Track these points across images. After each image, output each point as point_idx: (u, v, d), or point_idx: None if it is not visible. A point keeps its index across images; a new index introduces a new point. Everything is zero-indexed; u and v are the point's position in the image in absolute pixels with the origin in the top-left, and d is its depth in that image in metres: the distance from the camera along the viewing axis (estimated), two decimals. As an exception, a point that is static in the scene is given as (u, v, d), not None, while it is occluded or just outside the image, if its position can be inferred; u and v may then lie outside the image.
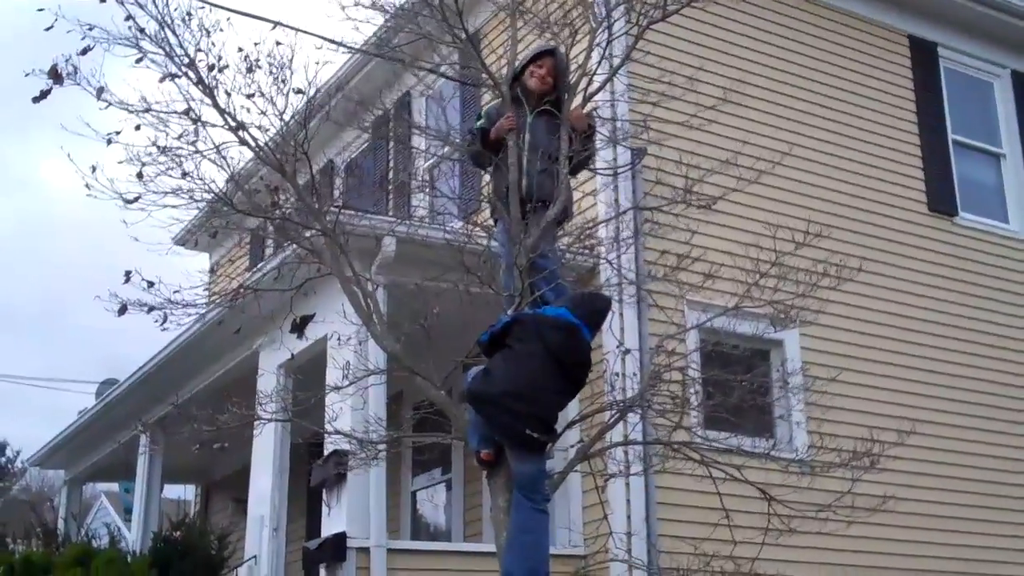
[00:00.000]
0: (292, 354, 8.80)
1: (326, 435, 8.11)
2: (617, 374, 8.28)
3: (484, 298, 6.42)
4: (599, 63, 7.03)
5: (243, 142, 6.56)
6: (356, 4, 6.91)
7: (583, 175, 7.62)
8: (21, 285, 67.46)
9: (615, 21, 7.43)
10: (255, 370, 10.86)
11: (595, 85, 7.02)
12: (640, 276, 8.97)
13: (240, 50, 6.56)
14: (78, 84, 6.16)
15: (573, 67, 6.79)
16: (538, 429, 5.46)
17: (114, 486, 25.84)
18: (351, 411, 8.51)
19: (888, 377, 11.36)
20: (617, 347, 9.03)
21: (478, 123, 6.47)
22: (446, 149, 8.09)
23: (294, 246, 7.21)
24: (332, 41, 6.96)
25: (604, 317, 5.87)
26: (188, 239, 16.14)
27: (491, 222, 6.80)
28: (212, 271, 15.83)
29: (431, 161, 10.58)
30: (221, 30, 6.49)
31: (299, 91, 6.47)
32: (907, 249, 12.00)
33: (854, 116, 12.15)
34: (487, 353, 5.69)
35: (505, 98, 6.44)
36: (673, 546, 9.17)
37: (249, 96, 6.44)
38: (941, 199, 12.46)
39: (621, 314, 9.52)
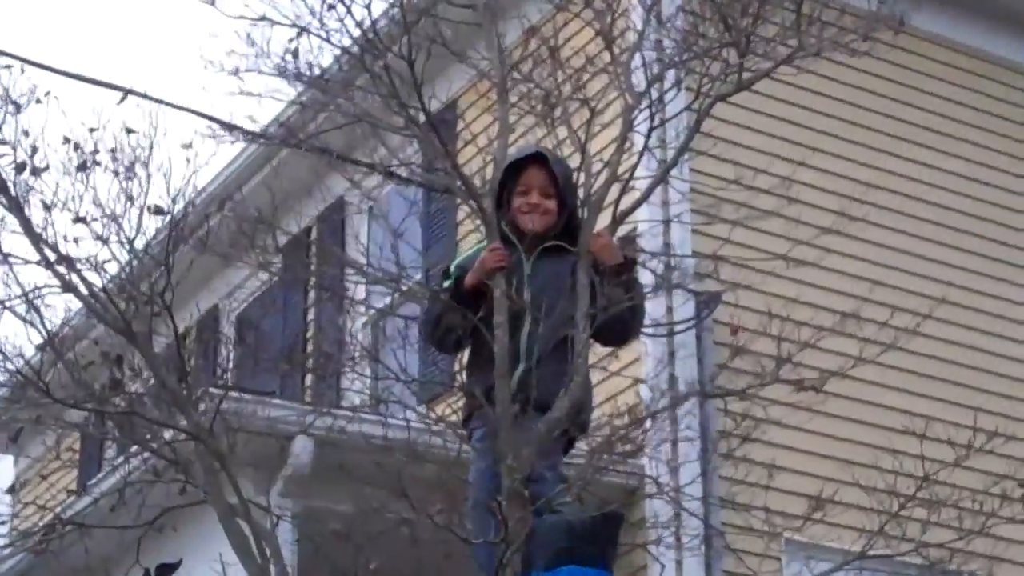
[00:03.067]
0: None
1: None
2: None
3: (449, 542, 6.38)
4: (639, 160, 7.11)
5: (68, 287, 6.60)
6: (251, 69, 6.99)
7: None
8: None
9: (665, 92, 7.52)
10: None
11: (633, 196, 7.10)
12: (708, 504, 8.95)
13: (67, 140, 6.63)
14: None
15: (597, 167, 6.84)
16: None
17: None
18: None
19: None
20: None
21: (446, 280, 6.45)
22: (397, 297, 8.12)
23: (145, 455, 7.19)
24: (216, 121, 7.02)
25: (618, 535, 5.87)
26: (-21, 437, 16.10)
27: (462, 419, 6.78)
28: (14, 491, 15.71)
29: (373, 316, 10.62)
30: (38, 102, 6.56)
31: (159, 210, 6.53)
32: None
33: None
34: None
35: (487, 219, 6.45)
36: None
37: (79, 218, 6.50)
38: None
39: (679, 564, 9.46)
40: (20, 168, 6.54)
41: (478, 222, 6.71)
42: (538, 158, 6.38)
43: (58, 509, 9.28)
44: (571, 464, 6.81)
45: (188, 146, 6.78)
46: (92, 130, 6.59)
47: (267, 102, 7.17)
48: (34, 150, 6.54)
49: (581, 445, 6.80)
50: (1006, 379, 11.45)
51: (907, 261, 11.31)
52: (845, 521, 8.02)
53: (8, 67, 6.51)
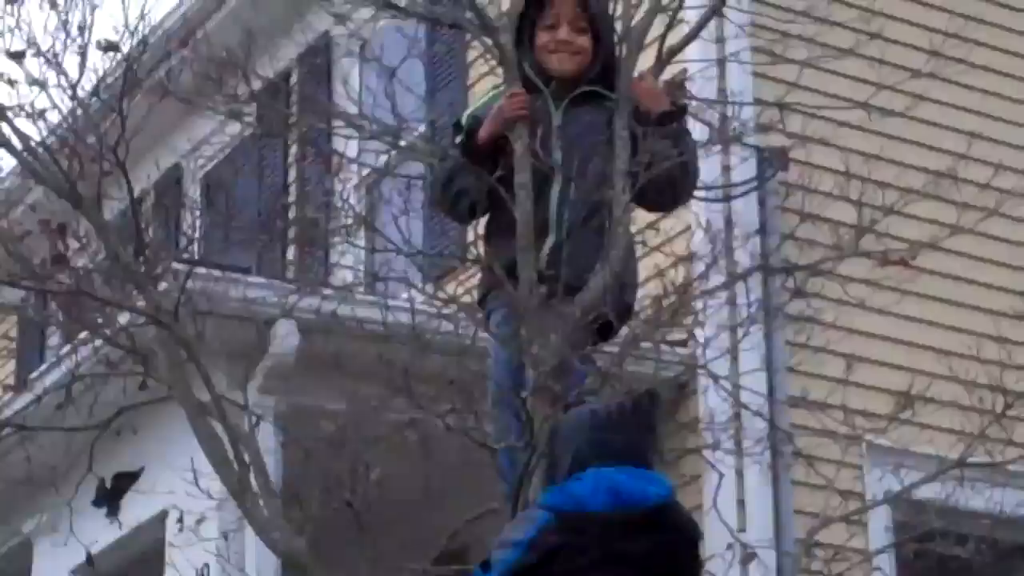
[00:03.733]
0: (88, 553, 8.79)
1: None
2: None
3: (464, 447, 6.41)
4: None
5: (1, 143, 6.62)
6: None
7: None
8: None
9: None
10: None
11: (682, 30, 7.08)
12: (775, 402, 8.98)
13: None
14: None
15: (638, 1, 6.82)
16: None
17: None
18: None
19: None
20: (730, 545, 9.00)
21: (458, 133, 6.43)
22: (394, 155, 8.12)
23: (97, 342, 7.22)
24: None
25: (656, 423, 5.85)
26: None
27: (478, 297, 6.80)
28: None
29: (368, 176, 10.63)
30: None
31: (110, 46, 6.51)
32: None
33: None
34: None
35: (506, 58, 6.44)
36: None
37: (13, 55, 6.49)
38: None
39: (739, 474, 9.51)
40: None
41: (493, 63, 6.68)
42: None
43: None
44: (610, 353, 6.84)
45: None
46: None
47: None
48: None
49: (623, 331, 6.80)
50: None
51: (1014, 110, 11.29)
52: (939, 422, 8.03)
53: None
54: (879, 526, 9.07)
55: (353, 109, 8.53)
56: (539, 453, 5.81)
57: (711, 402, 8.91)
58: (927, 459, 7.87)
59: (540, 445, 5.81)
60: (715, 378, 8.54)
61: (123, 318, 6.92)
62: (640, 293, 6.80)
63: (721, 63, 9.68)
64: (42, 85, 6.62)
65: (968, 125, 10.31)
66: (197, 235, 10.61)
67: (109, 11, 6.73)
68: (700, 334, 8.46)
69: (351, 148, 9.62)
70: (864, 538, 8.52)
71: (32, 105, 6.61)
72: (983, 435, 7.26)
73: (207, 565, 8.02)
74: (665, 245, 9.29)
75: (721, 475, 8.62)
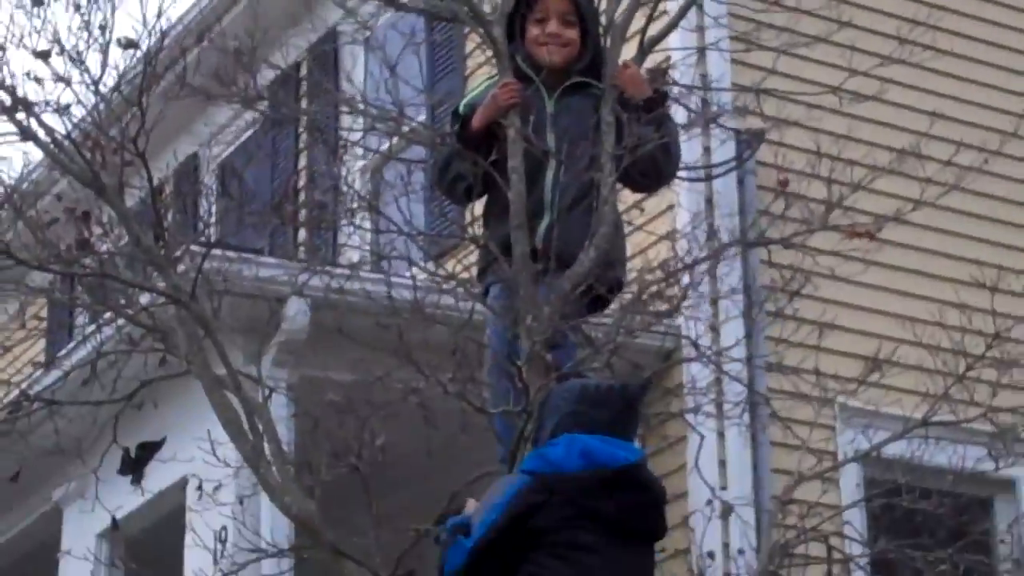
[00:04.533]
0: (113, 518, 8.80)
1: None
2: (711, 553, 8.27)
3: (464, 415, 6.43)
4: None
5: (27, 135, 6.62)
6: None
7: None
8: None
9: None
10: (54, 547, 10.85)
11: (663, 21, 7.07)
12: (753, 367, 8.99)
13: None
14: None
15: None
16: None
17: None
18: (229, 622, 8.50)
19: None
20: (710, 501, 9.02)
21: (456, 121, 6.45)
22: (396, 141, 8.12)
23: (120, 321, 7.23)
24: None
25: (639, 406, 5.88)
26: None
27: (476, 272, 6.81)
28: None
29: (372, 161, 10.63)
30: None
31: (129, 43, 6.50)
32: None
33: None
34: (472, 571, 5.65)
35: (499, 49, 6.44)
36: None
37: (39, 54, 6.49)
38: None
39: (720, 435, 9.53)
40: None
41: (489, 54, 6.69)
42: None
43: (24, 384, 9.34)
44: (600, 325, 6.85)
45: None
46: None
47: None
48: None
49: (612, 305, 6.82)
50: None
51: (974, 91, 11.28)
52: (905, 384, 8.05)
53: None
54: (850, 483, 9.10)
55: (359, 98, 8.55)
56: (534, 419, 5.81)
57: (693, 369, 8.93)
58: (894, 419, 7.89)
59: (535, 411, 5.82)
60: (697, 347, 8.57)
61: (144, 298, 6.92)
62: (627, 267, 6.84)
63: (700, 51, 9.67)
64: (66, 82, 6.61)
65: (930, 106, 10.31)
66: (213, 219, 10.59)
67: (129, 10, 6.73)
68: (684, 307, 8.49)
69: (356, 134, 9.60)
70: (836, 494, 8.55)
71: (57, 101, 6.62)
72: (946, 396, 7.29)
73: (224, 528, 8.04)
74: (653, 221, 9.31)
75: (703, 437, 8.65)
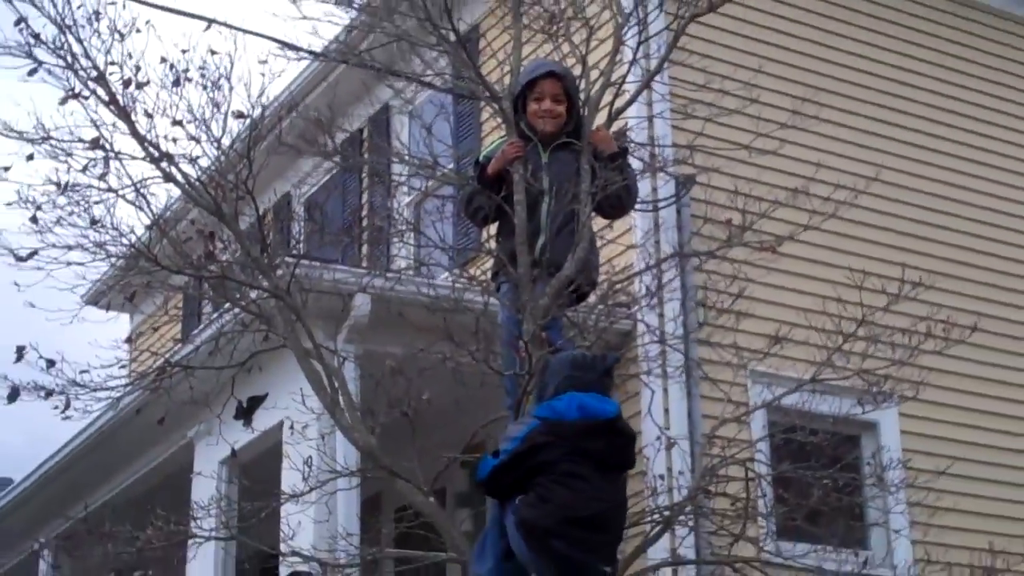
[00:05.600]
0: (232, 449, 8.79)
1: (282, 556, 8.06)
2: (661, 476, 8.26)
3: (482, 376, 6.41)
4: (628, 70, 7.09)
5: (169, 178, 6.61)
6: (311, -2, 6.96)
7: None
8: None
9: (648, 14, 7.47)
10: (189, 470, 10.83)
11: (624, 98, 7.05)
12: (688, 342, 8.97)
13: (164, 60, 6.59)
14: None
15: (594, 75, 6.82)
16: (612, 560, 5.54)
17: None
18: (313, 524, 8.47)
19: (1014, 469, 11.27)
20: (659, 437, 9.02)
21: (481, 155, 6.46)
22: (431, 183, 8.11)
23: (236, 310, 7.22)
24: (284, 44, 7.00)
25: (613, 371, 5.91)
26: (102, 299, 16.16)
27: (491, 275, 6.79)
28: (131, 341, 15.81)
29: (415, 197, 10.61)
30: (138, 31, 6.52)
31: (240, 115, 6.50)
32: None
33: (969, 131, 12.10)
34: (491, 492, 5.66)
35: (507, 118, 6.43)
36: None
37: (176, 121, 6.48)
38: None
39: (665, 391, 9.51)
40: (127, 84, 6.54)
41: (499, 121, 6.68)
42: (551, 72, 6.31)
43: (167, 355, 9.34)
44: (580, 312, 6.87)
45: (264, 62, 6.76)
46: (184, 51, 6.58)
47: (325, 25, 7.17)
48: (137, 69, 6.55)
49: (591, 298, 6.85)
50: (925, 240, 11.48)
51: (846, 148, 11.30)
52: (798, 355, 8.04)
53: (112, 3, 6.47)
54: (758, 424, 9.07)
55: (404, 152, 8.55)
56: (535, 380, 5.83)
57: (644, 341, 8.92)
58: (790, 379, 7.85)
59: (535, 374, 5.84)
60: (648, 328, 8.56)
61: (253, 294, 6.92)
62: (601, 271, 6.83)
63: (650, 119, 9.68)
64: (196, 140, 6.61)
65: (815, 158, 10.28)
66: (301, 238, 10.59)
67: (240, 91, 6.71)
68: (640, 300, 8.50)
69: (403, 178, 9.59)
70: (748, 432, 8.53)
71: (190, 154, 6.61)
72: (828, 362, 7.27)
73: (310, 456, 8.01)
74: (617, 239, 9.30)
75: (653, 392, 8.65)
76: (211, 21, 6.59)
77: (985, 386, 11.35)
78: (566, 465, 5.41)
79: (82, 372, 6.60)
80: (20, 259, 6.33)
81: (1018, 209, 12.13)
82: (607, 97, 6.76)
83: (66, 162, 6.46)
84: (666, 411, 9.54)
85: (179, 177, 6.60)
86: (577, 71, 6.65)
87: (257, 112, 6.67)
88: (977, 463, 10.98)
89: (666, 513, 6.91)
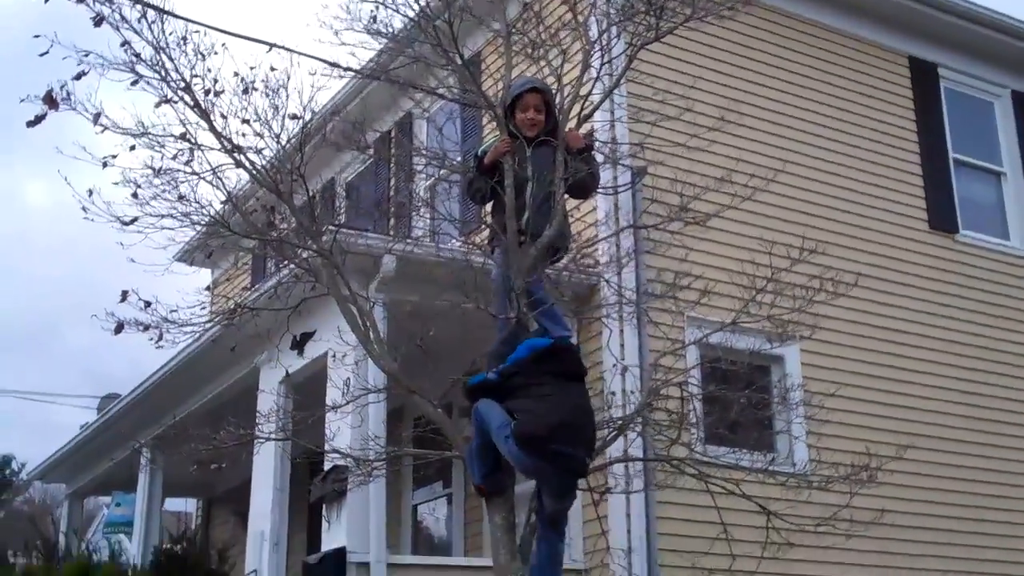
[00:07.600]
0: (287, 372, 8.79)
1: (325, 453, 8.09)
2: (614, 393, 8.28)
3: (480, 319, 6.40)
4: (593, 85, 7.04)
5: (239, 164, 6.56)
6: (348, 28, 6.91)
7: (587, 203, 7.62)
8: (5, 303, 66.25)
9: (609, 42, 7.43)
10: (254, 388, 10.84)
11: (591, 107, 7.02)
12: (639, 294, 8.98)
13: (236, 74, 6.55)
14: (73, 108, 6.15)
15: (567, 90, 6.78)
16: (591, 453, 5.61)
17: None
18: (350, 429, 8.49)
19: (886, 392, 11.33)
20: (615, 364, 9.03)
21: (479, 149, 6.43)
22: (443, 172, 8.08)
23: (291, 266, 7.20)
24: (329, 63, 6.95)
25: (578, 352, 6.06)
26: (188, 257, 16.16)
27: (487, 241, 6.76)
28: (210, 288, 15.82)
29: (430, 181, 10.59)
30: (216, 53, 6.50)
31: (295, 116, 6.46)
32: (907, 266, 11.99)
33: (852, 135, 12.14)
34: (473, 395, 5.72)
35: (500, 121, 6.40)
36: (672, 561, 9.22)
37: (245, 121, 6.43)
38: (942, 217, 12.45)
39: (621, 331, 9.52)
40: (207, 92, 6.50)
41: (495, 124, 6.66)
42: (534, 87, 6.29)
43: (239, 299, 9.33)
44: (556, 270, 6.84)
45: (313, 74, 6.72)
46: (251, 68, 6.55)
47: (361, 50, 7.14)
48: (215, 81, 6.51)
49: (564, 260, 6.86)
50: (819, 217, 11.51)
51: (760, 146, 11.31)
52: (723, 305, 8.03)
53: (196, 31, 6.46)
54: (692, 356, 9.10)
55: (423, 147, 8.51)
56: (521, 326, 5.87)
57: (605, 293, 8.92)
58: (716, 323, 7.83)
59: (522, 321, 5.88)
60: (608, 283, 8.54)
61: (304, 254, 6.89)
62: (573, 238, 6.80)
63: (611, 123, 9.64)
64: (261, 136, 6.57)
65: (737, 154, 10.28)
66: (342, 212, 10.57)
67: (294, 100, 6.66)
68: (602, 260, 8.47)
69: (421, 167, 9.56)
70: (684, 362, 8.54)
71: (256, 147, 6.57)
72: (744, 310, 7.26)
73: (348, 378, 8.04)
74: (585, 216, 9.28)
75: (611, 331, 8.67)
76: (272, 45, 6.57)
77: (864, 329, 11.41)
78: (536, 388, 5.47)
79: (172, 311, 6.59)
80: (125, 224, 6.32)
81: (886, 193, 12.16)
82: (576, 108, 6.74)
83: (160, 152, 6.44)
84: (621, 346, 9.57)
85: (247, 164, 6.55)
86: (554, 86, 6.63)
87: (308, 115, 6.62)
88: (858, 387, 11.05)
89: (620, 422, 6.91)
